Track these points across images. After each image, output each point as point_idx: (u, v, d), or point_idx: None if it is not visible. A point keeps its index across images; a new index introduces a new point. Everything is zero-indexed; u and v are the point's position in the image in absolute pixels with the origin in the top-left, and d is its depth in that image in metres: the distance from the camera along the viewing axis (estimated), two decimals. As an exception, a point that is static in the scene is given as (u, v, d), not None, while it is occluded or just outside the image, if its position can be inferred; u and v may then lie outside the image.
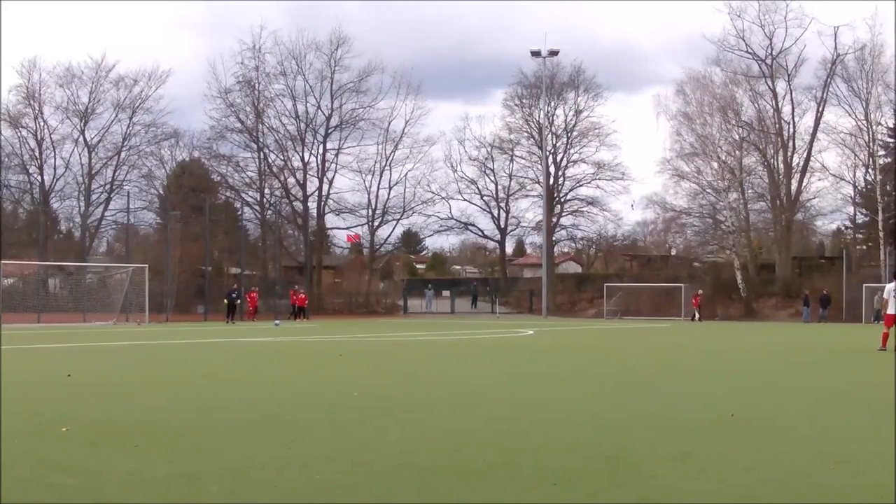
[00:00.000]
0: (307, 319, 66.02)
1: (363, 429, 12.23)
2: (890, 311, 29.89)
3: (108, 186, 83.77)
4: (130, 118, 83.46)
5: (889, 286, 31.25)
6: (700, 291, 74.55)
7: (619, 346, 35.70)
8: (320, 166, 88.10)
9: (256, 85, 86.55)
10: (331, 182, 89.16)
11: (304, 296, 70.48)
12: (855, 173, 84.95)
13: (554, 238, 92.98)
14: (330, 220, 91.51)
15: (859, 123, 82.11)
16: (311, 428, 12.28)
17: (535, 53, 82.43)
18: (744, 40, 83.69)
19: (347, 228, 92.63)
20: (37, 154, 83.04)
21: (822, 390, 18.54)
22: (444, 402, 15.34)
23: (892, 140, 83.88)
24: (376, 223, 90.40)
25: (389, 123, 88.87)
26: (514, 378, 20.41)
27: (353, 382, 18.42)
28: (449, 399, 15.83)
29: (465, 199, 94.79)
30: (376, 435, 11.60)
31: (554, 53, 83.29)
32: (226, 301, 62.94)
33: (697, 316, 71.78)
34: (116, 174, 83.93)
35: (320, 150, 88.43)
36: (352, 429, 12.23)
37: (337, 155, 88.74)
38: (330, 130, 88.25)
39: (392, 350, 31.64)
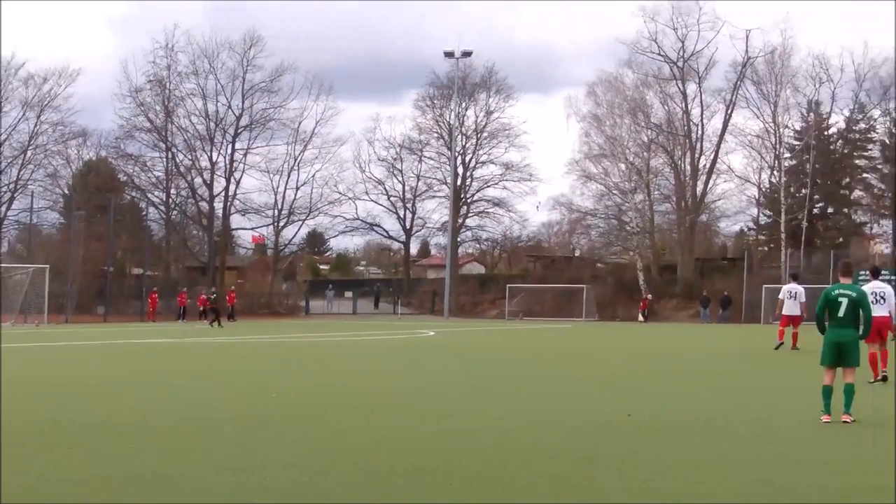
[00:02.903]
0: (229, 321, 64.31)
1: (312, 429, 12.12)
2: (786, 311, 30.42)
3: (11, 186, 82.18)
4: (38, 116, 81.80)
5: (785, 287, 31.76)
6: (649, 295, 74.93)
7: (519, 347, 35.70)
8: (228, 166, 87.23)
9: (167, 84, 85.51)
10: (238, 182, 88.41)
11: (231, 294, 69.62)
12: (760, 175, 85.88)
13: (459, 239, 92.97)
14: (236, 220, 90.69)
15: (767, 126, 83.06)
16: (238, 429, 12.11)
17: (449, 54, 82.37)
18: (656, 43, 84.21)
19: (253, 229, 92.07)
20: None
21: (721, 389, 18.62)
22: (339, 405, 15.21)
23: (798, 143, 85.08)
24: (282, 224, 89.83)
25: (300, 124, 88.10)
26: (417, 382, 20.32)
27: (267, 384, 18.31)
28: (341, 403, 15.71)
29: (372, 200, 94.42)
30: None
31: (467, 55, 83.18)
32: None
33: (641, 318, 71.86)
34: (21, 173, 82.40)
35: (229, 150, 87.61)
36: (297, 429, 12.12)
37: (245, 155, 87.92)
38: (240, 130, 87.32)
39: (286, 352, 31.43)
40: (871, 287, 17.97)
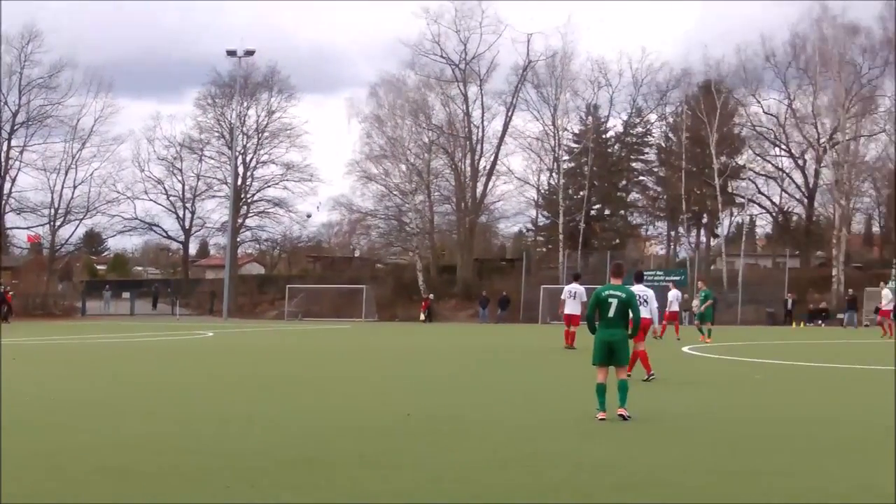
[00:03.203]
0: (5, 322, 62.04)
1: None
2: (568, 310, 30.71)
3: None
4: None
5: (567, 288, 32.09)
6: (431, 295, 74.86)
7: (298, 348, 35.42)
8: (4, 164, 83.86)
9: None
10: (13, 180, 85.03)
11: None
12: (539, 177, 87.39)
13: (239, 239, 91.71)
14: (10, 219, 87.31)
15: (546, 129, 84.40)
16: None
17: (231, 53, 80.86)
18: (439, 45, 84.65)
19: (28, 228, 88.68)
20: None
21: (497, 389, 18.62)
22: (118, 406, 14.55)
23: (576, 145, 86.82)
24: (58, 223, 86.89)
25: (78, 121, 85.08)
26: (190, 382, 19.76)
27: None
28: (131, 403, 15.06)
29: (151, 200, 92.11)
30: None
31: (250, 53, 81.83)
32: None
33: (423, 318, 71.77)
34: None
35: (4, 148, 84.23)
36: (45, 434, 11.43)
37: (22, 152, 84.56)
38: (16, 127, 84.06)
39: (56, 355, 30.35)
40: (635, 291, 18.21)
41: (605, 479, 9.17)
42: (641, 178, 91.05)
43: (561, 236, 79.77)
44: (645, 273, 62.99)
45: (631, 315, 13.72)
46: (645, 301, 19.51)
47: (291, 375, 21.57)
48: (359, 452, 10.40)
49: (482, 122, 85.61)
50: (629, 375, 13.45)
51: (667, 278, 68.35)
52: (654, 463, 10.06)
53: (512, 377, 21.63)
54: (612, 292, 13.67)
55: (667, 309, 38.14)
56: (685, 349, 31.55)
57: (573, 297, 30.82)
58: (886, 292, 44.96)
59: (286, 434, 11.98)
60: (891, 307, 44.70)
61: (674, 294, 39.63)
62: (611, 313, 13.55)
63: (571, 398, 16.01)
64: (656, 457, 10.49)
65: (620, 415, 13.27)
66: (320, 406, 15.27)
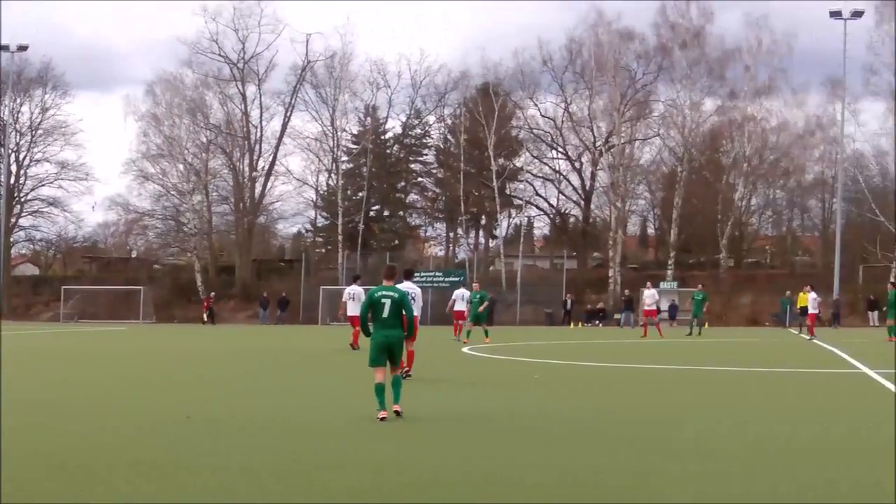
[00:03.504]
0: None
1: None
2: (350, 312, 30.56)
3: None
4: None
5: (347, 289, 31.98)
6: (213, 293, 73.44)
7: (74, 351, 34.45)
8: None
9: None
10: None
11: None
12: (318, 178, 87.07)
13: (12, 239, 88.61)
14: None
15: (325, 129, 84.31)
16: None
17: (4, 48, 78.14)
18: (217, 43, 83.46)
19: None
20: None
21: (279, 390, 18.51)
22: None
23: (355, 146, 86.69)
24: None
25: None
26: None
27: None
28: None
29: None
30: None
31: (23, 49, 79.24)
32: None
33: (206, 318, 70.27)
34: None
35: None
36: None
37: None
38: None
39: None
40: (403, 288, 18.24)
41: (392, 479, 9.19)
42: (420, 179, 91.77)
43: (340, 237, 79.75)
44: (424, 273, 63.78)
45: (405, 315, 13.87)
46: (413, 299, 19.61)
47: (67, 379, 20.92)
48: (136, 457, 10.13)
49: (261, 121, 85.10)
50: (409, 375, 13.41)
51: (446, 279, 69.06)
52: (437, 463, 10.15)
53: (293, 379, 21.63)
54: (385, 293, 13.84)
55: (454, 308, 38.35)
56: (465, 350, 31.78)
57: (353, 298, 30.72)
58: (651, 292, 45.90)
59: (59, 439, 11.59)
60: (654, 308, 45.86)
61: (459, 293, 39.80)
62: (385, 314, 13.70)
63: (353, 399, 15.94)
64: (439, 457, 10.60)
65: (396, 411, 13.46)
66: (96, 410, 14.85)
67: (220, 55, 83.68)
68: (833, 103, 74.80)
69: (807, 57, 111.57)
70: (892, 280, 53.27)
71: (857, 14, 67.90)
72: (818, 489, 8.75)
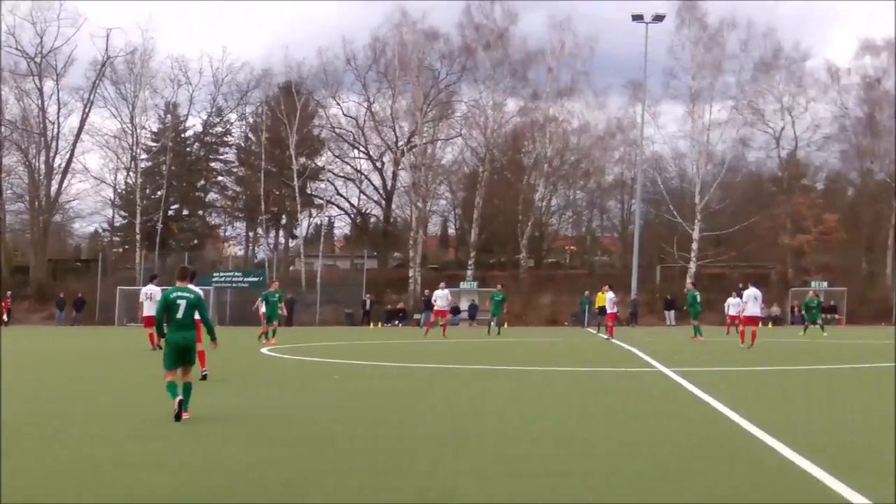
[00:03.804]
0: None
1: None
2: (146, 312, 30.30)
3: None
4: None
5: (143, 290, 31.62)
6: (9, 293, 70.89)
7: None
8: None
9: None
10: None
11: None
12: (116, 176, 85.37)
13: None
14: None
15: (125, 126, 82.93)
16: None
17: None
18: (14, 37, 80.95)
19: None
20: None
21: (77, 394, 18.17)
22: None
23: (155, 144, 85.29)
24: None
25: None
26: None
27: None
28: None
29: None
30: None
31: None
32: None
33: (6, 318, 67.85)
34: None
35: None
36: None
37: None
38: None
39: None
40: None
41: (200, 482, 9.25)
42: (221, 177, 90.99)
43: (138, 236, 78.55)
44: (223, 273, 63.32)
45: (200, 316, 14.02)
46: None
47: None
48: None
49: (58, 118, 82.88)
50: (205, 376, 13.19)
51: (245, 279, 68.56)
52: (245, 462, 10.23)
53: (92, 381, 21.30)
54: (179, 294, 13.83)
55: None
56: (264, 350, 31.66)
57: (150, 298, 30.46)
58: (444, 293, 45.83)
59: None
60: (446, 308, 46.06)
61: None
62: (179, 315, 13.68)
63: (152, 400, 15.67)
64: (244, 457, 10.64)
65: (185, 417, 13.33)
66: None
67: (17, 49, 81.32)
68: (633, 106, 77.25)
69: (609, 60, 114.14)
70: (690, 281, 55.00)
71: (659, 18, 70.02)
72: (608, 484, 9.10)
